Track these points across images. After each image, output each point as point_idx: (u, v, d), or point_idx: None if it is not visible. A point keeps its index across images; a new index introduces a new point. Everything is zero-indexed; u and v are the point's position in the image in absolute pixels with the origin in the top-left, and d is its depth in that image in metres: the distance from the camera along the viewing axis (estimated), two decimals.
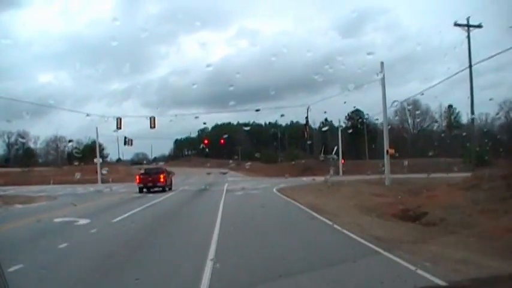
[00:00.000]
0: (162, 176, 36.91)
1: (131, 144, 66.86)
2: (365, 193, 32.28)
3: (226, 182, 49.25)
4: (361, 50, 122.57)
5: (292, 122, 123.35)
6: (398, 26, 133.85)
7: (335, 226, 14.45)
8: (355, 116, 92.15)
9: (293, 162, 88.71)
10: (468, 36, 38.11)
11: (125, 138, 64.13)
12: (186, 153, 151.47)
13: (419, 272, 8.01)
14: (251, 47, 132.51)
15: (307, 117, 56.90)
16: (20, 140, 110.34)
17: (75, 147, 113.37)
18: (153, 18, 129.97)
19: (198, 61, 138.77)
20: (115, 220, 17.30)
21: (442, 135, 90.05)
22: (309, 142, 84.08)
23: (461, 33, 38.13)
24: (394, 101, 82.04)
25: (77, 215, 19.40)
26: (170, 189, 38.97)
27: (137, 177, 37.01)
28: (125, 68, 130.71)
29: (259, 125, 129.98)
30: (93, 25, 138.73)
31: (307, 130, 58.53)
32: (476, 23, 38.40)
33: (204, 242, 11.52)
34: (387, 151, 40.88)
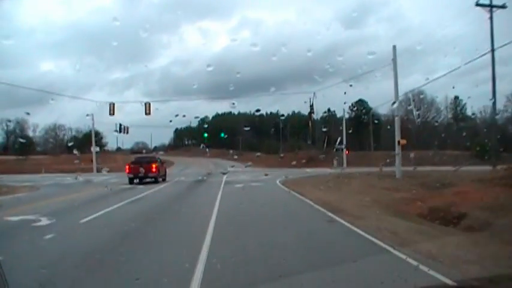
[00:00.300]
0: (154, 165, 33.24)
1: (127, 132, 63.27)
2: (376, 187, 29.04)
3: (225, 175, 46.07)
4: (364, 42, 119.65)
5: (293, 112, 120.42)
6: (401, 18, 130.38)
7: (366, 236, 10.83)
8: (359, 106, 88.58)
9: (297, 152, 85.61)
10: (491, 17, 34.60)
11: (120, 125, 60.39)
12: (186, 142, 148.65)
13: None
14: (253, 37, 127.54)
15: (311, 105, 53.28)
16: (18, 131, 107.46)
17: (72, 137, 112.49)
18: (155, 8, 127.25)
19: (200, 51, 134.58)
20: (84, 220, 13.76)
21: (454, 128, 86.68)
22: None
23: (462, 26, 34.53)
24: (394, 102, 79.53)
25: (44, 211, 15.85)
26: (164, 180, 35.58)
27: (127, 166, 33.50)
28: (127, 57, 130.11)
29: (261, 115, 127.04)
30: (95, 13, 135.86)
31: (312, 119, 54.88)
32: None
33: (188, 263, 7.98)
34: (399, 142, 37.41)
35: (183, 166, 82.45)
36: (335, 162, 68.80)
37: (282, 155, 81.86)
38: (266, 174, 40.74)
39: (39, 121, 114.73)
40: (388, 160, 63.99)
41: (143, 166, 32.81)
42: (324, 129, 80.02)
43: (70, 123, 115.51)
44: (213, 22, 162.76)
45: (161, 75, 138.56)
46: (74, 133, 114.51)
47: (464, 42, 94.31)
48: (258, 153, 79.56)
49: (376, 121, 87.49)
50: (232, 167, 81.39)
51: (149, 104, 40.37)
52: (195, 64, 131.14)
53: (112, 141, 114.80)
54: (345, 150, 69.06)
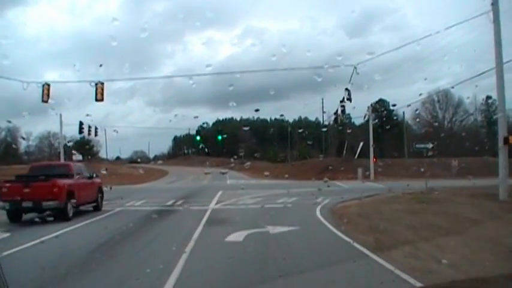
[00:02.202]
0: (56, 184, 15.34)
1: (96, 134, 47.48)
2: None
3: (221, 190, 29.65)
4: (368, 50, 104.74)
5: (300, 117, 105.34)
6: (405, 26, 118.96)
7: None
8: (379, 107, 72.14)
9: (315, 159, 69.63)
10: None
11: (80, 124, 44.23)
12: (186, 151, 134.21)
13: None
14: (257, 46, 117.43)
15: (343, 100, 37.45)
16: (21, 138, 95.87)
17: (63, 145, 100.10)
18: (159, 17, 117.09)
19: (204, 60, 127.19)
20: None
21: (483, 130, 70.27)
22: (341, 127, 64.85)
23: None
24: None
25: None
26: (98, 208, 19.00)
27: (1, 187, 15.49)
28: (130, 66, 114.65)
29: (265, 121, 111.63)
30: (98, 23, 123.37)
31: (341, 114, 38.58)
32: None
33: None
34: (506, 139, 20.99)
35: (175, 177, 66.94)
36: (360, 172, 52.57)
37: (293, 163, 65.61)
38: (287, 193, 24.62)
39: (39, 130, 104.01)
40: (422, 169, 49.32)
41: (31, 186, 15.18)
42: (348, 131, 63.69)
43: (66, 132, 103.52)
44: (217, 31, 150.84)
45: (164, 84, 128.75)
46: (69, 140, 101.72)
47: (468, 49, 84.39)
48: (267, 173, 63.43)
49: (399, 123, 71.67)
50: (225, 173, 65.71)
51: (102, 85, 23.96)
52: (198, 73, 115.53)
53: (110, 150, 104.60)
54: (372, 157, 52.70)
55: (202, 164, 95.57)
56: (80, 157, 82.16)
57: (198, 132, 42.88)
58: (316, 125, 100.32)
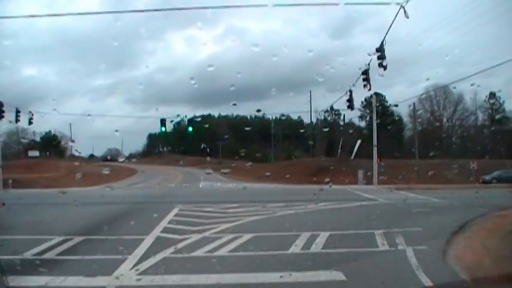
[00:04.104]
0: None
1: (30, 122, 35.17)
2: None
3: (179, 205, 17.11)
4: (350, 52, 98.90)
5: (282, 115, 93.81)
6: (386, 29, 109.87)
7: None
8: (375, 102, 60.46)
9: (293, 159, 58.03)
10: None
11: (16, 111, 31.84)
12: (161, 149, 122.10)
13: None
14: (239, 46, 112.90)
15: (351, 91, 26.81)
16: None
17: (30, 141, 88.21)
18: (141, 14, 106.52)
19: (185, 58, 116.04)
20: None
21: (491, 129, 59.40)
22: (326, 129, 53.35)
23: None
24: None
25: None
26: None
27: None
28: (110, 63, 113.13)
29: (244, 118, 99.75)
30: (79, 19, 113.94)
31: (352, 101, 27.29)
32: None
33: None
34: None
35: (143, 177, 55.07)
36: (361, 174, 40.91)
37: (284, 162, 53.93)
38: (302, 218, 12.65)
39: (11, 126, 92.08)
40: (431, 172, 39.23)
41: None
42: (350, 131, 52.38)
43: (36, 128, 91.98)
44: (199, 30, 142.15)
45: (144, 83, 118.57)
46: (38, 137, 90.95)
47: (450, 52, 76.84)
48: (249, 164, 51.80)
49: (396, 121, 60.42)
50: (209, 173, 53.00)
51: None
52: (179, 72, 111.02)
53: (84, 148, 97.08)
54: (375, 157, 40.94)
55: (176, 162, 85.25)
56: (36, 153, 70.02)
57: (189, 123, 33.54)
58: (299, 123, 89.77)
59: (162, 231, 10.92)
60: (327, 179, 32.97)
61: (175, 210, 15.33)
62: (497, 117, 62.57)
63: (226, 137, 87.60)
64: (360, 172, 40.93)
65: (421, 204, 16.68)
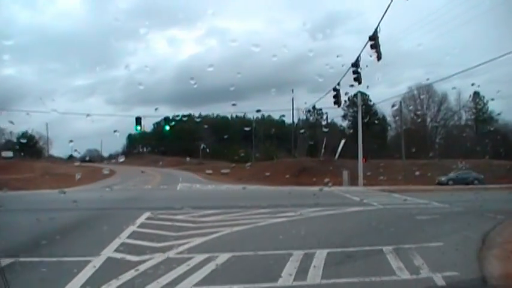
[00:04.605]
0: None
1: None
2: None
3: (147, 212, 14.61)
4: (331, 52, 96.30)
5: (263, 115, 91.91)
6: (368, 30, 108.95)
7: None
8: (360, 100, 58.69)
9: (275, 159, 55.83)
10: None
11: None
12: (141, 150, 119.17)
13: None
14: (220, 46, 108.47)
15: (338, 84, 24.72)
16: None
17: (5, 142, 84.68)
18: (122, 14, 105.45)
19: (167, 58, 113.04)
20: None
21: (475, 128, 58.35)
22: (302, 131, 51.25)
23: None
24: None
25: None
26: None
27: None
28: (91, 63, 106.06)
29: (225, 118, 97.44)
30: (60, 18, 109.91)
31: (339, 97, 25.11)
32: None
33: None
34: None
35: (120, 178, 52.42)
36: (346, 175, 38.86)
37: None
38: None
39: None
40: (417, 173, 38.06)
41: None
42: (325, 130, 50.40)
43: (15, 128, 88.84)
44: (181, 30, 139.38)
45: (125, 83, 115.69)
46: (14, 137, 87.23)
47: (429, 54, 75.96)
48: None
49: (380, 121, 58.65)
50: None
51: None
52: (161, 72, 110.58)
53: (62, 149, 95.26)
54: (360, 157, 38.96)
55: (156, 163, 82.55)
56: (10, 154, 67.00)
57: (166, 121, 30.69)
58: (281, 123, 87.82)
59: (116, 250, 8.53)
60: (314, 179, 30.91)
61: (141, 219, 12.94)
62: (481, 117, 61.45)
63: (206, 137, 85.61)
64: (345, 173, 38.94)
65: (423, 210, 14.61)
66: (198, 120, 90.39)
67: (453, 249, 8.21)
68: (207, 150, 78.73)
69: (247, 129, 72.43)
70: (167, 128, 35.82)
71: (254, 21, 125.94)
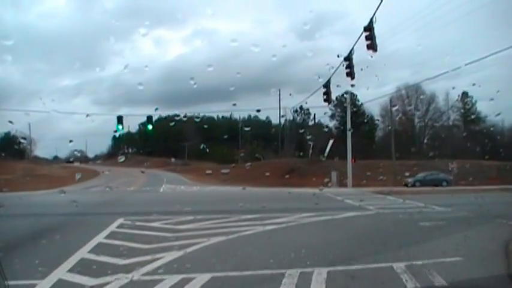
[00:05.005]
0: None
1: None
2: None
3: (122, 217, 13.07)
4: (318, 53, 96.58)
5: (250, 116, 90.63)
6: (355, 31, 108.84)
7: None
8: (346, 101, 57.49)
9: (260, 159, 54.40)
10: None
11: None
12: (126, 151, 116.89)
13: None
14: (208, 47, 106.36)
15: (328, 80, 23.19)
16: None
17: None
18: (109, 14, 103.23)
19: (153, 59, 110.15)
20: None
21: (464, 129, 57.54)
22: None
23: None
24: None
25: None
26: None
27: None
28: (77, 63, 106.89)
29: (211, 119, 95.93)
30: (45, 18, 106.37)
31: (329, 94, 23.60)
32: None
33: None
34: None
35: (104, 180, 50.71)
36: (334, 176, 37.51)
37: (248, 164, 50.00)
38: None
39: None
40: (407, 174, 37.95)
41: None
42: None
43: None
44: (167, 31, 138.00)
45: (112, 83, 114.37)
46: None
47: (414, 57, 76.14)
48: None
49: (368, 121, 57.55)
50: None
51: None
52: (147, 72, 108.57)
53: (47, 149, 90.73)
54: (350, 157, 37.63)
55: (141, 164, 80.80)
56: None
57: (149, 120, 28.77)
58: (267, 124, 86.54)
59: (71, 269, 6.91)
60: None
61: (112, 226, 11.34)
62: (470, 117, 60.64)
63: (192, 138, 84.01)
64: (334, 173, 37.59)
65: (425, 215, 13.19)
66: (184, 119, 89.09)
67: (476, 265, 6.77)
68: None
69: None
70: (150, 127, 34.07)
71: (242, 22, 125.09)
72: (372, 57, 15.57)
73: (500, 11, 39.66)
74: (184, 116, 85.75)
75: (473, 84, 57.29)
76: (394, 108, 53.31)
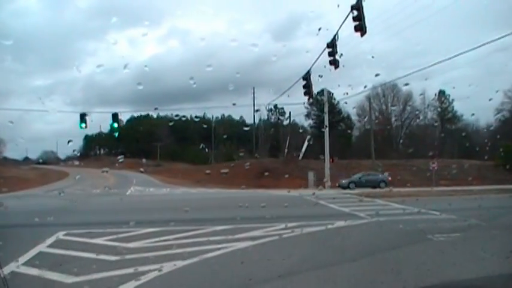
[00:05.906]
0: None
1: None
2: None
3: (63, 230, 10.38)
4: (293, 54, 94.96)
5: (223, 115, 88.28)
6: (330, 32, 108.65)
7: None
8: (322, 99, 55.51)
9: (232, 165, 52.06)
10: None
11: None
12: (98, 151, 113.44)
13: None
14: (182, 46, 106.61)
15: (308, 72, 20.82)
16: None
17: None
18: (82, 13, 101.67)
19: (127, 59, 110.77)
20: None
21: (441, 128, 56.56)
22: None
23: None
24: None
25: None
26: None
27: None
28: (50, 63, 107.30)
29: (184, 120, 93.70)
30: (16, 17, 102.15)
31: (310, 86, 21.20)
32: None
33: None
34: None
35: (72, 181, 48.09)
36: (311, 177, 35.40)
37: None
38: None
39: None
40: (387, 173, 37.44)
41: None
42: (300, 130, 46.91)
43: None
44: (141, 30, 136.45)
45: (85, 83, 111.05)
46: None
47: (388, 56, 75.42)
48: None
49: (345, 120, 55.77)
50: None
51: None
52: (121, 73, 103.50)
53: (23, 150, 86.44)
54: (327, 157, 35.53)
55: (112, 165, 77.44)
56: None
57: (114, 118, 25.82)
58: (241, 123, 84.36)
59: None
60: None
61: (43, 245, 8.66)
62: (447, 116, 59.69)
63: (165, 138, 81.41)
64: (311, 174, 35.57)
65: (432, 225, 10.87)
66: (155, 120, 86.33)
67: None
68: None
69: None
70: (115, 125, 31.20)
71: (217, 22, 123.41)
72: (361, 36, 13.23)
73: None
74: (157, 116, 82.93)
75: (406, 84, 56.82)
76: (367, 109, 51.89)
